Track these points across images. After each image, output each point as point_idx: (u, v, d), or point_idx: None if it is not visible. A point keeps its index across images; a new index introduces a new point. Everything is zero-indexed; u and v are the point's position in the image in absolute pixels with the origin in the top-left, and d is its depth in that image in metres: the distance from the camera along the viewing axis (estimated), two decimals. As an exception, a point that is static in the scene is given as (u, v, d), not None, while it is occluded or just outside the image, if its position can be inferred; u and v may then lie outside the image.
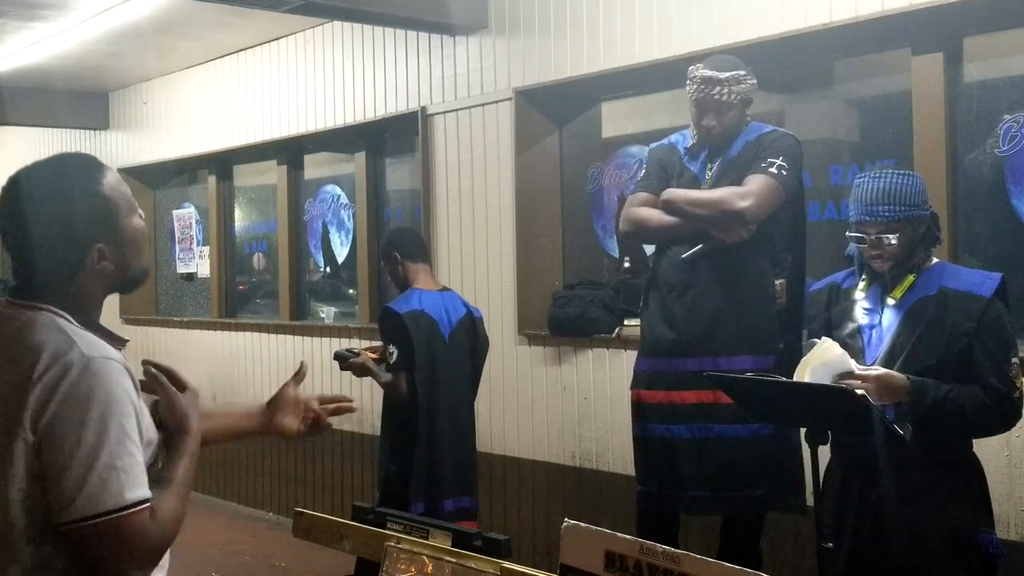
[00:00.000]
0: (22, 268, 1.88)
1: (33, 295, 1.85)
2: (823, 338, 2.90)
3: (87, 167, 1.91)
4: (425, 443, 4.29)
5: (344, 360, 4.53)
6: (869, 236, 2.88)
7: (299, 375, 2.31)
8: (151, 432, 1.89)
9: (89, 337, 1.80)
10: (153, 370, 1.95)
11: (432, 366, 4.31)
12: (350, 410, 2.38)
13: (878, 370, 2.78)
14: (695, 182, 3.64)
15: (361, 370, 4.49)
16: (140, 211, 1.96)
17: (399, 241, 4.56)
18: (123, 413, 1.74)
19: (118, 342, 1.90)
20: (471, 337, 4.50)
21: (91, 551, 1.73)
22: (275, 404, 2.28)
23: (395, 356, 4.26)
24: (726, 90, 3.54)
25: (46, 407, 1.70)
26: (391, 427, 4.43)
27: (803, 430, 2.96)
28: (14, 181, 1.88)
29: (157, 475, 1.85)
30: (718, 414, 3.49)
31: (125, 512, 1.70)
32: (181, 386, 1.96)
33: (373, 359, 4.46)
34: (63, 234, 1.83)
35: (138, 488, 1.73)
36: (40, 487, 1.71)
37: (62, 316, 1.82)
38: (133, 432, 1.75)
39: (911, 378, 2.76)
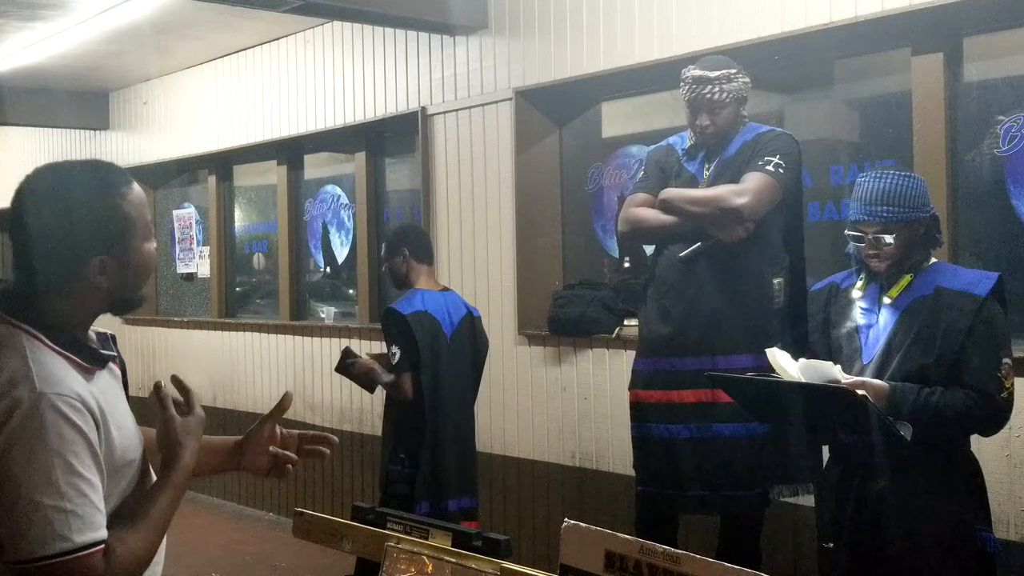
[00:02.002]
0: (20, 268, 1.81)
1: (17, 306, 1.77)
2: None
3: (113, 178, 1.84)
4: (430, 443, 4.29)
5: (347, 369, 4.53)
6: (867, 236, 2.89)
7: (281, 408, 2.12)
8: (132, 453, 1.84)
9: (49, 366, 1.72)
10: (162, 389, 1.88)
11: (436, 366, 4.31)
12: (326, 450, 2.17)
13: (859, 380, 2.78)
14: (693, 182, 3.65)
15: (364, 377, 4.48)
16: (155, 239, 1.89)
17: (410, 238, 4.53)
18: (73, 452, 1.67)
19: (97, 363, 1.82)
20: (472, 337, 4.51)
21: None
22: (248, 442, 2.14)
23: (398, 357, 4.25)
24: (717, 88, 3.55)
25: None
26: (394, 428, 4.42)
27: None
28: (33, 175, 1.82)
29: (133, 504, 1.79)
30: (717, 413, 3.50)
31: (72, 556, 1.64)
32: (187, 409, 1.90)
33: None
34: (67, 237, 1.77)
35: (88, 531, 1.66)
36: None
37: (34, 336, 1.74)
38: (87, 470, 1.68)
39: (892, 384, 2.76)
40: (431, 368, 4.29)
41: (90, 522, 1.67)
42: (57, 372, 1.72)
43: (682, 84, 3.63)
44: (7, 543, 1.65)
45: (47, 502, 1.63)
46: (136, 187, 1.86)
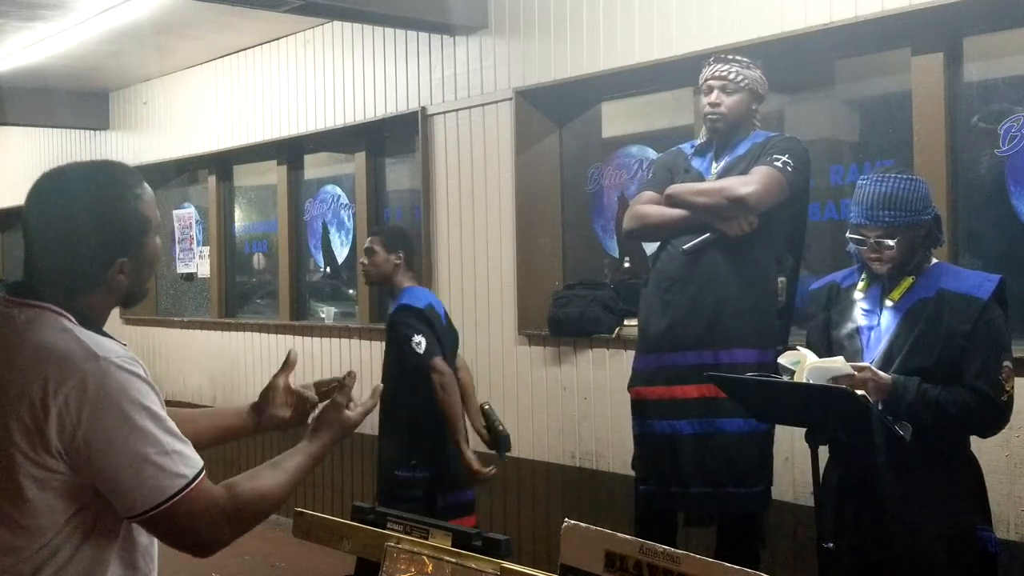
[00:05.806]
0: (38, 266, 1.82)
1: (37, 294, 1.79)
2: (799, 349, 2.91)
3: (130, 178, 1.87)
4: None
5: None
6: (868, 239, 2.88)
7: (288, 364, 2.24)
8: None
9: (94, 337, 1.77)
10: (351, 377, 2.07)
11: (444, 353, 4.48)
12: (350, 384, 2.16)
13: (869, 369, 2.78)
14: (700, 179, 3.67)
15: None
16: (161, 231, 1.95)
17: (410, 244, 4.64)
18: (152, 401, 1.75)
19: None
20: (452, 327, 4.69)
21: (169, 534, 1.77)
22: (264, 400, 2.23)
23: (424, 344, 4.33)
24: (735, 70, 3.61)
25: (79, 418, 1.68)
26: (410, 429, 4.42)
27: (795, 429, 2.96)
28: (51, 177, 1.83)
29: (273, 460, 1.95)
30: (720, 408, 3.48)
31: (189, 489, 1.74)
32: (345, 405, 2.07)
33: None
34: (95, 241, 1.79)
35: (192, 464, 1.76)
36: (56, 492, 1.72)
37: (65, 316, 1.77)
38: (166, 416, 1.77)
39: (895, 377, 2.77)
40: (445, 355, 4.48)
41: (189, 456, 1.77)
42: (104, 340, 1.79)
43: (704, 69, 3.69)
44: (123, 504, 1.73)
45: (151, 451, 1.72)
46: (146, 185, 1.90)
